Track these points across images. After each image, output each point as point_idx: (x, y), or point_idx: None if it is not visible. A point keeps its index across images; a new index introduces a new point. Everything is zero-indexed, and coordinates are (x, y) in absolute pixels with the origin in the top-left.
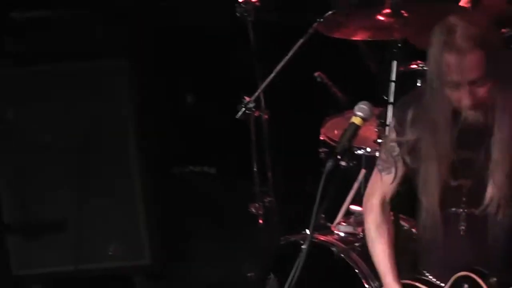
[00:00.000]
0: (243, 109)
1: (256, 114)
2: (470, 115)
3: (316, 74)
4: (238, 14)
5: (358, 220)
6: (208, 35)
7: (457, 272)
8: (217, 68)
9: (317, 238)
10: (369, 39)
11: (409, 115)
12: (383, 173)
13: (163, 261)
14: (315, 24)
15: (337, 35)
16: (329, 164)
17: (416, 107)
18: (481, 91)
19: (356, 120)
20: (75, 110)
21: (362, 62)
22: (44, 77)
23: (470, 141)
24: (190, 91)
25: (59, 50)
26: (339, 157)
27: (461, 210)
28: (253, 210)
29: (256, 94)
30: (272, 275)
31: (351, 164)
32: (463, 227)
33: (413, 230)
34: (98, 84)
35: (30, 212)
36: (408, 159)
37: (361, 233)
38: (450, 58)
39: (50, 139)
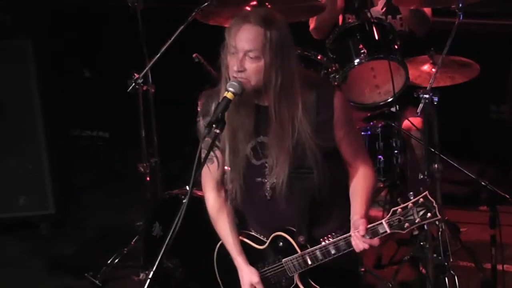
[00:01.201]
0: (133, 84)
1: (144, 88)
2: (254, 96)
3: (194, 55)
4: (129, 3)
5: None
6: (105, 19)
7: (273, 230)
8: (112, 47)
9: (195, 193)
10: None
11: (212, 107)
12: (208, 163)
13: (64, 211)
14: (193, 13)
15: (212, 22)
16: (205, 130)
17: (218, 99)
18: (253, 65)
19: (228, 95)
20: None
21: None
22: None
23: (263, 127)
24: (87, 67)
25: None
26: (214, 125)
27: (266, 180)
28: (141, 169)
29: (144, 71)
30: (157, 223)
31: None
32: (268, 194)
33: None
34: (10, 59)
35: None
36: (219, 145)
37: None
38: (237, 26)
39: None
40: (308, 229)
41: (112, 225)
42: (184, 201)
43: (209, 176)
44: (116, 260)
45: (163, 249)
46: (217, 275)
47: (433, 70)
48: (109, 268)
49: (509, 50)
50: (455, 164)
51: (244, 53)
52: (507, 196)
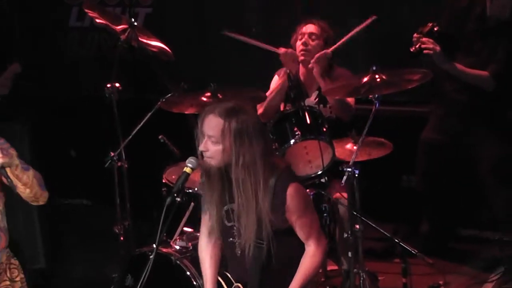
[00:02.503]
0: (110, 161)
1: (119, 164)
2: (216, 172)
3: (159, 136)
4: (106, 94)
5: (189, 237)
6: (86, 107)
7: (238, 280)
8: (92, 130)
9: (160, 250)
10: (196, 112)
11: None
12: (202, 214)
13: (52, 265)
14: (159, 102)
15: (174, 110)
16: (168, 199)
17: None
18: (214, 147)
19: (187, 169)
20: None
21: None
22: None
23: (231, 195)
24: (72, 147)
25: None
26: (175, 194)
27: (235, 240)
28: (116, 230)
29: (118, 150)
30: (129, 276)
31: (184, 199)
32: (239, 251)
33: None
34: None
35: None
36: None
37: (191, 246)
38: (204, 114)
39: None
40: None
41: (92, 277)
42: (151, 257)
43: (204, 224)
44: None
45: None
46: None
47: (355, 148)
48: None
49: (418, 131)
50: (373, 225)
51: (207, 137)
52: (415, 251)
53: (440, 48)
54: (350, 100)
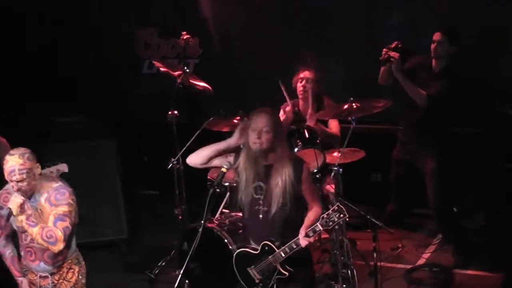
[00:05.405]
0: (171, 164)
1: (177, 166)
2: (258, 155)
3: None
4: (168, 119)
5: (226, 216)
6: (154, 129)
7: (262, 240)
8: (159, 143)
9: (206, 225)
10: (230, 130)
11: (238, 161)
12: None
13: (134, 235)
14: (204, 124)
15: (215, 128)
16: (211, 190)
17: (240, 156)
18: (264, 136)
19: (223, 169)
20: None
21: None
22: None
23: (261, 175)
24: (145, 155)
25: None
26: (216, 186)
27: (260, 208)
28: (176, 212)
29: (177, 157)
30: (185, 243)
31: (222, 190)
32: (261, 216)
33: None
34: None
35: None
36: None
37: (227, 222)
38: (257, 113)
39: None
40: (281, 238)
41: (160, 244)
42: (199, 230)
43: None
44: (163, 263)
45: (188, 257)
46: (236, 271)
47: (339, 155)
48: (159, 268)
49: (382, 141)
50: (353, 206)
51: (262, 128)
52: (381, 224)
53: (398, 58)
54: (335, 125)
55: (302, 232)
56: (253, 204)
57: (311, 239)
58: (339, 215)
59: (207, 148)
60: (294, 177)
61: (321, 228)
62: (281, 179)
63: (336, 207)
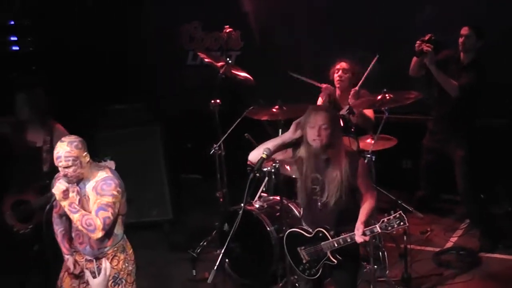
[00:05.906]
0: (213, 150)
1: (219, 152)
2: (318, 150)
3: (245, 134)
4: (211, 107)
5: (264, 200)
6: (197, 117)
7: (317, 226)
8: (202, 130)
9: (246, 208)
10: (269, 119)
11: (296, 152)
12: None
13: (177, 215)
14: (245, 112)
15: (255, 117)
16: (251, 175)
17: (298, 149)
18: (323, 133)
19: (263, 155)
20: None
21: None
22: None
23: (319, 167)
24: (189, 141)
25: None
26: (255, 172)
27: (318, 197)
28: (217, 195)
29: (219, 143)
30: (226, 224)
31: (261, 175)
32: (319, 205)
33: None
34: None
35: None
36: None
37: (265, 205)
38: (315, 111)
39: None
40: (336, 228)
41: (202, 224)
42: (239, 212)
43: None
44: (205, 242)
45: (229, 237)
46: (286, 250)
47: (372, 142)
48: (201, 247)
49: (413, 130)
50: (385, 192)
51: (321, 125)
52: (411, 209)
53: (432, 50)
54: (370, 113)
55: (359, 229)
56: (311, 194)
57: (367, 238)
58: (400, 223)
59: (265, 144)
60: (350, 171)
61: (379, 231)
62: (339, 173)
63: (398, 215)
